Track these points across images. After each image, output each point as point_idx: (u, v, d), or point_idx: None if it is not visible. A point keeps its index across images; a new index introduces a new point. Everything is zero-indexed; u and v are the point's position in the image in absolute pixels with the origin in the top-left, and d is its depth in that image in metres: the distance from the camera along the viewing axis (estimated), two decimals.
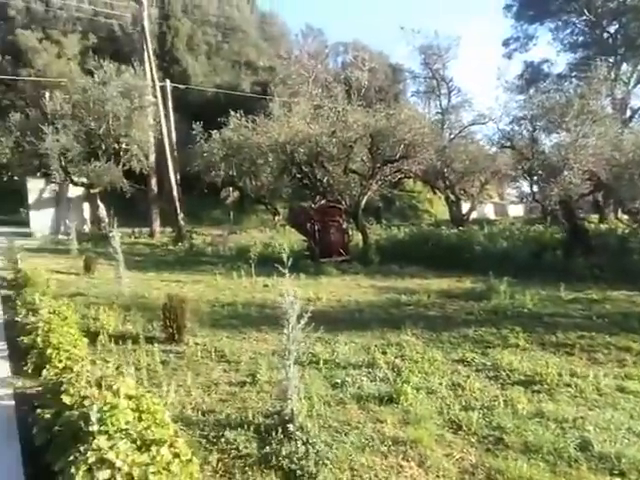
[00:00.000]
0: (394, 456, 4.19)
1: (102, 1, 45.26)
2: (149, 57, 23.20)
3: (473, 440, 4.45)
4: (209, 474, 3.91)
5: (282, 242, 20.59)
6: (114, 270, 14.39)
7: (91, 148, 22.61)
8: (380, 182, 19.72)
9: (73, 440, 3.62)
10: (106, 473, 3.07)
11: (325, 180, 18.61)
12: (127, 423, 3.76)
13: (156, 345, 7.14)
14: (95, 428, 3.49)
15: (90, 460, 3.13)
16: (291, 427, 4.46)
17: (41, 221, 25.53)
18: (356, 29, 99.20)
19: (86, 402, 4.04)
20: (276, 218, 26.90)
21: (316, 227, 16.60)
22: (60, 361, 6.06)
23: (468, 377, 5.91)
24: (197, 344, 7.25)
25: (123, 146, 22.81)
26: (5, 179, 22.42)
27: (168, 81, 26.63)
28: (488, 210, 42.05)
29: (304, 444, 4.17)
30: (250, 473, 3.91)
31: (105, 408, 3.72)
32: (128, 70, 23.28)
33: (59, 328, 6.72)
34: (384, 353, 6.83)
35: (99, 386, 4.33)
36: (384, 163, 18.13)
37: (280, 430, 4.43)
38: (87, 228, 24.41)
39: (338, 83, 33.73)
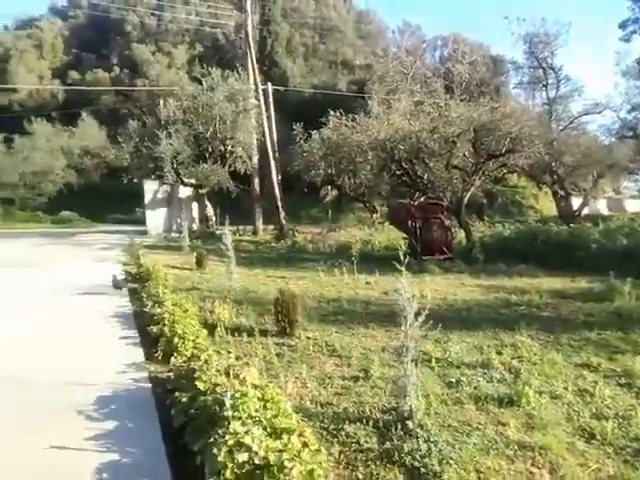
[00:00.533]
0: (521, 461, 4.02)
1: (207, 12, 47.84)
2: (252, 62, 24.18)
3: (609, 451, 4.15)
4: (332, 465, 3.99)
5: (381, 240, 20.62)
6: (224, 266, 15.24)
7: (199, 151, 24.03)
8: (483, 178, 19.01)
9: (209, 424, 3.88)
10: (244, 455, 3.25)
11: (426, 177, 18.28)
12: (256, 411, 3.95)
13: (269, 338, 7.45)
14: (230, 414, 3.71)
15: (229, 442, 3.33)
16: (410, 424, 4.44)
17: (155, 220, 27.57)
18: (454, 22, 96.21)
19: (217, 389, 4.31)
20: (374, 216, 26.88)
21: (417, 224, 16.34)
22: (186, 349, 6.50)
23: (596, 383, 5.51)
24: (308, 338, 7.42)
25: (229, 148, 23.99)
26: (125, 182, 24.48)
27: (269, 84, 27.56)
28: (600, 205, 38.99)
29: (426, 442, 4.14)
30: (373, 467, 3.94)
31: (237, 395, 3.94)
32: (231, 75, 24.37)
33: (182, 319, 7.22)
34: (499, 354, 6.58)
35: (227, 374, 4.60)
36: (488, 158, 17.46)
37: (399, 426, 4.43)
38: (195, 226, 25.95)
39: (437, 78, 32.97)
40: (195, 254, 15.60)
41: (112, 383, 5.59)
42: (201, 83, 24.13)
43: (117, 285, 11.34)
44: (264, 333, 7.66)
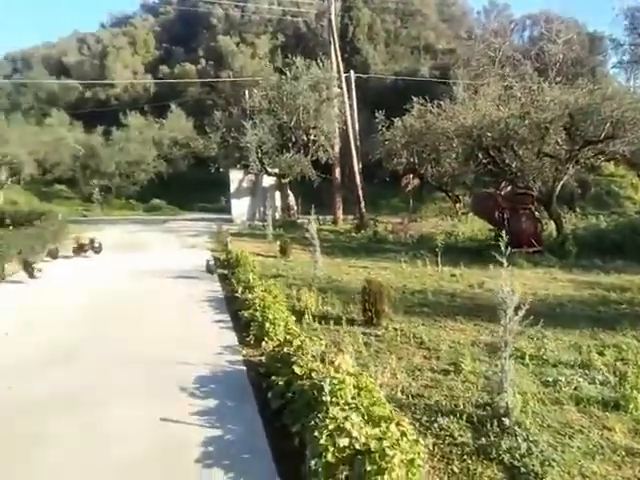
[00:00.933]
0: (629, 467, 3.81)
1: (289, 1, 48.39)
2: (335, 50, 24.15)
3: None
4: (426, 457, 3.98)
5: (465, 230, 20.06)
6: (307, 254, 15.51)
7: (283, 140, 24.41)
8: (578, 166, 17.88)
9: (307, 407, 4.00)
10: (345, 440, 3.33)
11: (514, 165, 17.46)
12: (353, 398, 4.02)
13: (356, 327, 7.53)
14: (328, 399, 3.81)
15: (330, 427, 3.43)
16: (507, 421, 4.34)
17: (239, 208, 28.46)
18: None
19: (313, 374, 4.43)
20: (457, 206, 26.12)
21: (505, 215, 15.72)
22: (276, 334, 6.73)
23: None
24: (395, 329, 7.41)
25: (312, 137, 24.18)
26: (212, 171, 25.42)
27: (352, 72, 27.43)
28: None
29: (525, 441, 4.02)
30: (469, 462, 3.90)
31: (334, 382, 4.02)
32: (313, 64, 24.48)
33: (272, 305, 7.45)
34: (600, 354, 6.22)
35: (322, 361, 4.71)
36: (584, 145, 16.37)
37: (495, 423, 4.34)
38: (278, 215, 26.49)
39: (527, 60, 31.28)
40: (279, 242, 15.95)
41: (210, 364, 5.90)
42: (283, 73, 24.45)
43: (210, 270, 11.98)
44: (351, 322, 7.75)
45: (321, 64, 24.06)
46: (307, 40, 48.26)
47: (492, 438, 4.14)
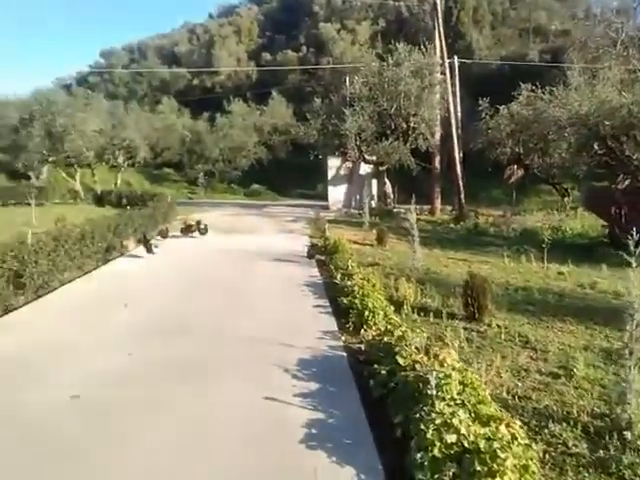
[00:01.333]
0: None
1: None
2: (440, 34, 23.37)
3: None
4: (537, 464, 3.78)
5: (573, 226, 18.72)
6: (403, 244, 15.32)
7: (382, 128, 24.17)
8: None
9: (411, 399, 3.95)
10: (453, 437, 3.24)
11: (636, 157, 15.96)
12: (458, 394, 3.91)
13: (456, 322, 7.31)
14: (434, 393, 3.72)
15: (437, 422, 3.35)
16: (629, 435, 4.00)
17: (336, 195, 28.70)
18: None
19: (417, 366, 4.36)
20: (565, 200, 24.40)
21: (622, 212, 14.44)
22: (375, 323, 6.72)
23: None
24: (498, 326, 7.10)
25: (412, 125, 23.70)
26: (312, 158, 25.79)
27: (455, 57, 26.43)
28: None
29: None
30: (585, 475, 3.65)
31: (440, 376, 3.93)
32: (414, 50, 23.87)
33: (371, 294, 7.44)
34: None
35: (426, 353, 4.62)
36: None
37: (615, 436, 4.02)
38: (374, 203, 26.36)
39: None
40: (375, 231, 15.89)
41: (311, 347, 6.02)
42: (383, 59, 24.10)
43: (310, 255, 12.28)
44: (451, 316, 7.54)
45: (424, 49, 23.41)
46: (409, 25, 47.18)
47: (612, 452, 3.84)
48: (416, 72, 22.66)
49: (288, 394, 4.72)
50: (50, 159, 28.18)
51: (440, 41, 23.69)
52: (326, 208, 27.30)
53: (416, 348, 4.75)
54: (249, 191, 40.16)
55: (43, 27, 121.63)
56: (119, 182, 32.12)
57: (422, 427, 3.37)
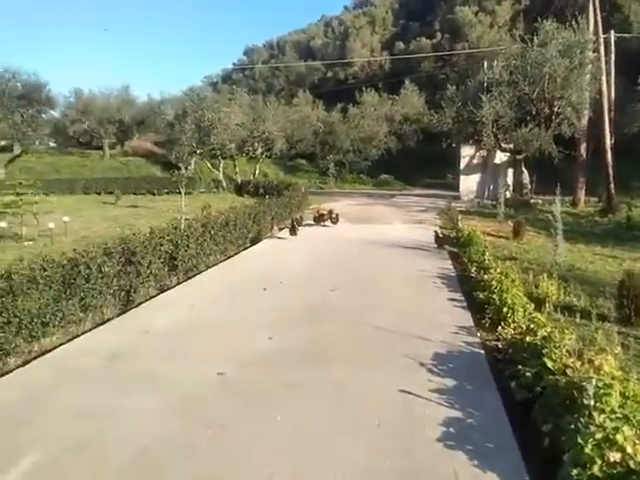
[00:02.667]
0: None
1: None
2: (595, 7, 21.13)
3: None
4: None
5: None
6: (542, 237, 14.27)
7: (522, 114, 22.59)
8: None
9: (562, 407, 3.63)
10: (617, 455, 2.92)
11: None
12: (620, 407, 3.51)
13: (608, 325, 6.62)
14: (592, 403, 3.38)
15: (597, 436, 3.04)
16: None
17: (468, 185, 27.60)
18: None
19: (568, 371, 4.00)
20: None
21: None
22: (514, 321, 6.32)
23: None
24: None
25: (555, 109, 21.83)
26: (444, 147, 24.99)
27: (612, 32, 23.69)
28: None
29: None
30: None
31: (599, 385, 3.56)
32: (561, 28, 21.85)
33: (510, 289, 7.00)
34: None
35: (579, 357, 4.22)
36: None
37: None
38: (509, 194, 24.86)
39: None
40: (512, 223, 14.98)
41: (446, 342, 5.83)
42: (525, 41, 22.42)
43: (439, 243, 12.03)
44: (602, 318, 6.84)
45: (575, 26, 21.33)
46: (555, 1, 43.43)
47: None
48: (564, 51, 20.72)
49: (424, 389, 4.61)
50: (198, 151, 30.69)
51: (595, 15, 21.46)
52: (457, 198, 26.38)
53: (567, 351, 4.35)
54: (378, 181, 40.15)
55: (190, 31, 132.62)
56: (257, 172, 33.98)
57: (579, 440, 3.07)
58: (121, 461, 3.66)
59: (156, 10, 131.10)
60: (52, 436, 3.97)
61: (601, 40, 21.38)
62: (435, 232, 12.71)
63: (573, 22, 21.64)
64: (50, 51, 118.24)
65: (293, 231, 14.00)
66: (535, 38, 21.54)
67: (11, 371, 5.20)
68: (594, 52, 21.62)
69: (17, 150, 34.78)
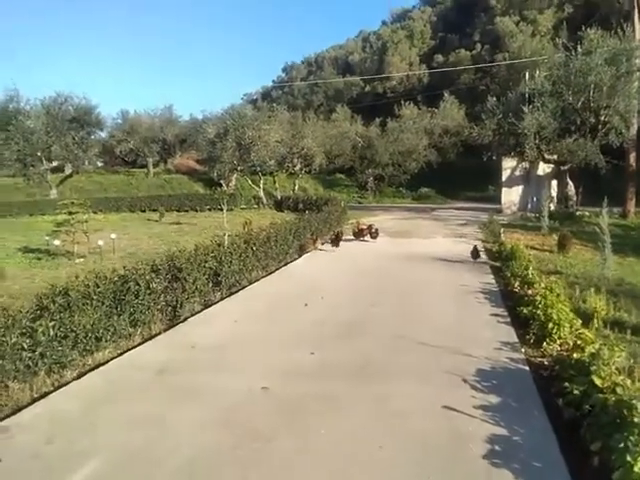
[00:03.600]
0: None
1: None
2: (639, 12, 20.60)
3: None
4: None
5: None
6: (588, 251, 13.85)
7: (566, 124, 22.09)
8: None
9: (612, 426, 3.55)
10: None
11: None
12: None
13: None
14: None
15: None
16: None
17: (510, 198, 27.09)
18: None
19: (618, 389, 3.91)
20: None
21: None
22: (560, 337, 6.19)
23: None
24: None
25: (602, 119, 21.24)
26: (485, 159, 24.67)
27: None
28: None
29: None
30: None
31: None
32: (607, 35, 21.33)
33: (555, 304, 6.85)
34: None
35: (629, 375, 4.12)
36: None
37: None
38: (552, 206, 24.25)
39: None
40: (557, 236, 14.62)
41: (490, 358, 5.76)
42: (568, 49, 21.97)
43: (475, 255, 11.97)
44: None
45: (620, 34, 20.79)
46: (600, 8, 42.45)
47: None
48: (610, 59, 20.18)
49: (467, 405, 4.58)
50: (239, 168, 31.35)
51: None
52: (499, 211, 25.91)
53: (617, 369, 4.25)
54: (417, 194, 39.91)
55: (231, 51, 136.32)
56: (296, 188, 34.38)
57: (629, 459, 3.01)
58: (171, 470, 3.80)
59: (199, 32, 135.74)
60: (107, 445, 4.16)
61: None
62: (474, 246, 12.59)
63: (618, 30, 21.12)
64: (100, 74, 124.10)
65: (336, 242, 14.56)
66: (579, 47, 21.10)
67: (68, 383, 5.45)
68: None
69: (68, 170, 36.50)
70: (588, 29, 21.69)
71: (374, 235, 16.08)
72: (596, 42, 20.60)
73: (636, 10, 21.21)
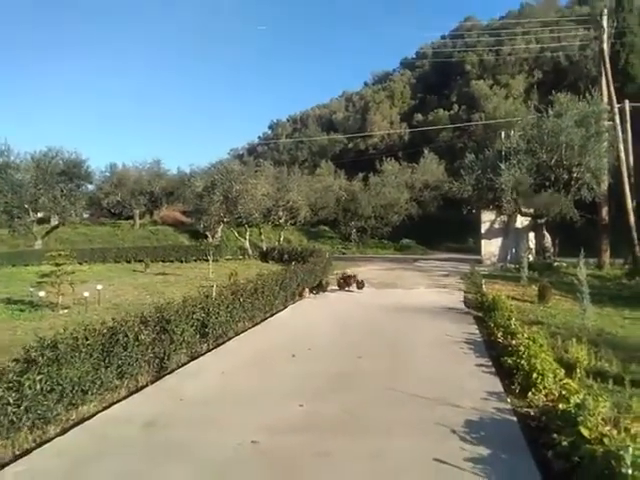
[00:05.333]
0: None
1: (549, 37, 46.04)
2: (608, 80, 21.95)
3: None
4: None
5: None
6: (568, 301, 14.14)
7: (541, 180, 23.01)
8: None
9: (601, 477, 3.62)
10: None
11: None
12: None
13: None
14: (629, 472, 3.39)
15: None
16: None
17: (490, 249, 27.71)
18: None
19: (605, 440, 4.00)
20: None
21: None
22: (544, 387, 6.29)
23: None
24: None
25: (574, 175, 22.23)
26: (465, 212, 25.38)
27: (627, 102, 24.38)
28: None
29: None
30: None
31: (636, 453, 3.56)
32: (576, 99, 22.66)
33: (538, 354, 6.99)
34: None
35: (615, 425, 4.22)
36: None
37: None
38: (531, 257, 24.82)
39: None
40: (537, 286, 14.94)
41: (477, 409, 5.81)
42: (540, 111, 23.23)
43: (467, 305, 12.12)
44: (635, 384, 6.72)
45: (589, 97, 22.09)
46: (568, 74, 45.07)
47: None
48: (580, 121, 21.38)
49: (458, 458, 4.59)
50: (225, 220, 31.67)
51: (608, 87, 22.27)
52: (479, 262, 26.42)
53: (602, 419, 4.35)
54: (399, 245, 40.58)
55: (218, 108, 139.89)
56: (282, 239, 34.68)
57: None
58: None
59: (186, 90, 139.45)
60: None
61: (616, 110, 22.02)
62: (465, 296, 12.77)
63: (587, 94, 22.43)
64: (89, 128, 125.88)
65: (320, 289, 15.37)
66: (550, 109, 22.30)
67: (51, 439, 5.30)
68: (610, 121, 22.21)
69: (54, 222, 36.32)
70: (558, 93, 22.98)
71: (360, 286, 16.21)
72: (566, 105, 21.82)
73: (603, 76, 22.57)
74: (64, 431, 5.53)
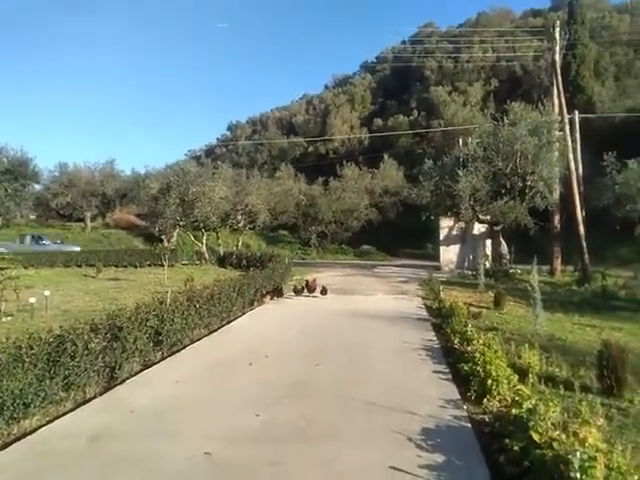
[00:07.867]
0: None
1: (505, 47, 47.53)
2: (558, 91, 22.77)
3: None
4: None
5: None
6: (522, 307, 14.52)
7: (497, 187, 23.63)
8: None
9: None
10: None
11: None
12: (605, 479, 3.58)
13: (591, 396, 6.70)
14: (577, 476, 3.45)
15: None
16: None
17: (448, 256, 28.23)
18: None
19: (555, 444, 4.07)
20: None
21: None
22: (499, 393, 6.39)
23: None
24: None
25: (528, 184, 22.92)
26: (423, 219, 25.75)
27: (576, 112, 25.42)
28: None
29: None
30: None
31: (584, 457, 3.64)
32: (529, 108, 23.41)
33: (493, 360, 7.11)
34: None
35: (564, 430, 4.30)
36: None
37: None
38: (488, 264, 25.42)
39: None
40: (493, 293, 15.27)
41: (434, 416, 5.84)
42: (496, 119, 23.92)
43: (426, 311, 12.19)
44: (585, 389, 6.93)
45: (541, 107, 22.87)
46: (522, 84, 46.66)
47: None
48: (533, 130, 22.09)
49: (414, 465, 4.59)
50: (181, 224, 31.05)
51: (559, 98, 23.10)
52: (438, 269, 26.85)
53: (552, 424, 4.43)
54: (359, 251, 40.88)
55: (175, 107, 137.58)
56: (240, 244, 34.28)
57: None
58: None
59: (143, 86, 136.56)
60: None
61: (566, 120, 22.88)
62: (425, 305, 12.88)
63: (540, 104, 23.22)
64: (39, 127, 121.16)
65: (276, 294, 15.33)
66: (505, 117, 22.94)
67: None
68: (560, 131, 23.05)
69: None
70: (513, 102, 23.68)
71: (323, 292, 16.13)
72: (520, 114, 22.49)
73: (555, 86, 23.40)
74: (5, 446, 5.24)
